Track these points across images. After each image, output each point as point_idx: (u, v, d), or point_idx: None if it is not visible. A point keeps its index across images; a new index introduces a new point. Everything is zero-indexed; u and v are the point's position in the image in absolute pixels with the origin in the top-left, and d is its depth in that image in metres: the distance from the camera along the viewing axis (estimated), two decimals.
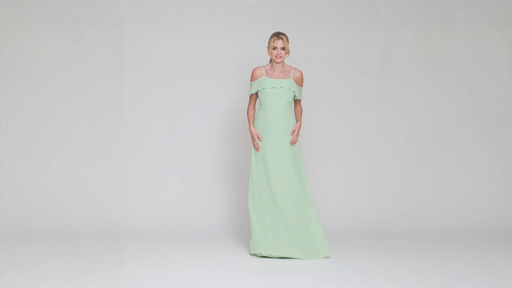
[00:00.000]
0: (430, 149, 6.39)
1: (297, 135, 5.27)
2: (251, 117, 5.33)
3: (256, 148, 5.23)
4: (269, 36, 5.25)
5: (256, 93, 5.29)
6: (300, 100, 5.37)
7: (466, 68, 6.38)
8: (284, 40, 5.19)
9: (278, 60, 5.20)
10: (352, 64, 6.35)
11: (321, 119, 6.35)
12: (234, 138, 6.31)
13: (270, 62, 5.29)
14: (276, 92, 5.20)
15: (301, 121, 5.35)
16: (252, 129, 5.28)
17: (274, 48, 5.18)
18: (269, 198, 5.16)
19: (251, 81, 5.32)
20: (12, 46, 6.19)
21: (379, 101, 6.36)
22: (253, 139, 5.26)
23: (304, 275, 4.62)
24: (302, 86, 5.33)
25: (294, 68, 5.29)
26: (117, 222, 6.10)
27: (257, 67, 5.31)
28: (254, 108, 5.35)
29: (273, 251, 5.09)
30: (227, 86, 6.32)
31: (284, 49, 5.19)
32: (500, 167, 6.40)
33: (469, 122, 6.40)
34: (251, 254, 5.16)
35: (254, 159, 5.26)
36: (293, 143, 5.24)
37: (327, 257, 5.07)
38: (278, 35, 5.20)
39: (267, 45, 5.31)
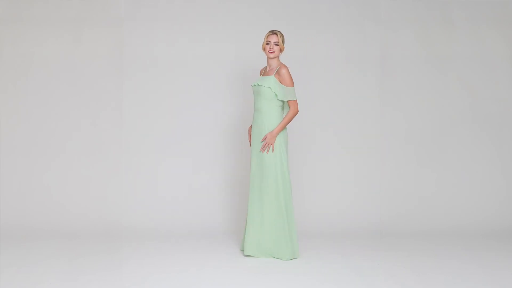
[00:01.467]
0: (430, 149, 6.39)
1: (267, 143, 5.00)
2: None
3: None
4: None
5: None
6: (292, 102, 5.08)
7: (466, 68, 6.38)
8: (278, 36, 5.08)
9: (271, 56, 5.08)
10: (352, 64, 6.35)
11: (321, 119, 6.35)
12: (234, 138, 6.31)
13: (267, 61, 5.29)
14: (256, 89, 5.13)
15: (279, 128, 4.99)
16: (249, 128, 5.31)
17: (268, 43, 5.11)
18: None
19: None
20: (12, 46, 6.19)
21: (379, 101, 6.36)
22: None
23: (304, 275, 4.62)
24: (289, 85, 5.02)
25: (281, 64, 5.10)
26: (117, 222, 6.10)
27: (263, 67, 5.34)
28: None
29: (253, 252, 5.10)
30: (227, 86, 6.32)
31: (278, 44, 5.08)
32: (500, 167, 6.40)
33: (469, 122, 6.40)
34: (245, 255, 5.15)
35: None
36: (262, 150, 5.03)
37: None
38: (272, 31, 5.12)
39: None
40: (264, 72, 5.22)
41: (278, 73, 5.06)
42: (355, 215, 6.23)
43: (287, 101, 5.09)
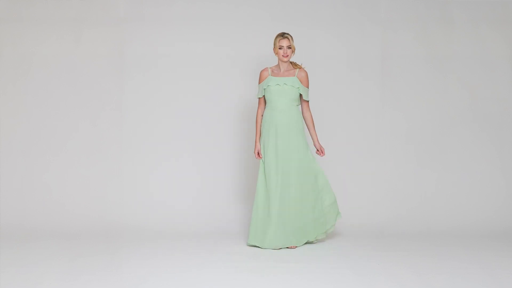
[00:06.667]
0: (430, 149, 6.39)
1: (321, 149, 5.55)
2: (258, 128, 5.41)
3: (258, 156, 5.41)
4: (274, 37, 5.35)
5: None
6: (307, 103, 5.43)
7: (466, 68, 6.38)
8: (290, 39, 5.30)
9: (285, 59, 5.31)
10: (352, 64, 6.36)
11: (321, 119, 6.34)
12: (234, 138, 6.31)
13: (278, 63, 5.37)
14: (280, 89, 5.28)
15: (316, 135, 5.55)
16: (258, 144, 5.40)
17: (280, 47, 5.28)
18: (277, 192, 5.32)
19: (259, 83, 5.41)
20: (12, 46, 6.19)
21: (379, 101, 6.36)
22: (255, 151, 5.41)
23: (304, 275, 4.63)
24: (307, 87, 5.39)
25: (300, 69, 5.37)
26: (117, 222, 6.10)
27: (264, 69, 5.40)
28: (262, 115, 5.39)
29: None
30: (227, 87, 6.32)
31: (290, 47, 5.30)
32: (500, 167, 6.40)
33: (469, 122, 6.40)
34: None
35: (261, 163, 5.40)
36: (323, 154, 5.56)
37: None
38: (283, 34, 5.30)
39: (272, 46, 5.40)
40: (277, 73, 5.33)
41: (300, 75, 5.35)
42: (355, 215, 6.23)
43: (304, 101, 5.43)
